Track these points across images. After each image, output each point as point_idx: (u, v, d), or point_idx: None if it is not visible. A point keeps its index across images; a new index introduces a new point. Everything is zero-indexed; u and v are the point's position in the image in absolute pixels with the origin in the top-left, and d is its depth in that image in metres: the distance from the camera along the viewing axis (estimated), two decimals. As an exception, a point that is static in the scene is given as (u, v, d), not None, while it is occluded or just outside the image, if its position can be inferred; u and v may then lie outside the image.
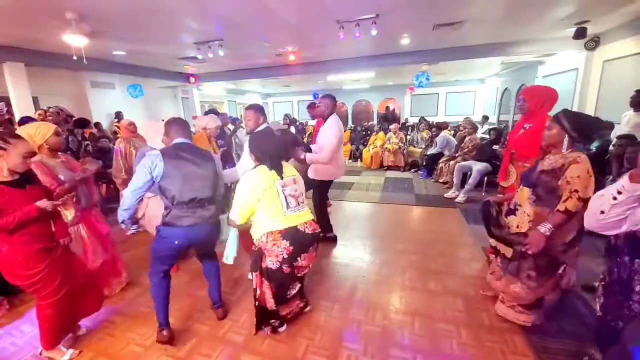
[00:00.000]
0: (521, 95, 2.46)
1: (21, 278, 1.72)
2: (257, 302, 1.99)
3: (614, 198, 1.02)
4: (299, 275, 2.04)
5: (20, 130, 2.12)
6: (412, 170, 7.36)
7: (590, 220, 1.16)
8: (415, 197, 5.26)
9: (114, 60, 6.72)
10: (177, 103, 10.75)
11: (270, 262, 1.88)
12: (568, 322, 2.08)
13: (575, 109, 6.21)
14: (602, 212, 1.07)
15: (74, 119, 4.80)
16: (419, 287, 2.59)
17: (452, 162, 5.81)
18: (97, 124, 6.61)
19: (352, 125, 11.28)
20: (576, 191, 1.62)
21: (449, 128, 7.46)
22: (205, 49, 5.63)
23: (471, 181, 4.95)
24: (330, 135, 2.99)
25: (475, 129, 6.01)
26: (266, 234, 1.86)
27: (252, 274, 2.00)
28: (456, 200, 4.95)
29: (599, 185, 1.58)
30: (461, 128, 6.72)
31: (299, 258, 1.91)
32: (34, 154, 1.74)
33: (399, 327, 2.16)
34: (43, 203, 1.65)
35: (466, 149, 5.59)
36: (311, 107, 5.00)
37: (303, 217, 1.94)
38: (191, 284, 2.77)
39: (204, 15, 4.14)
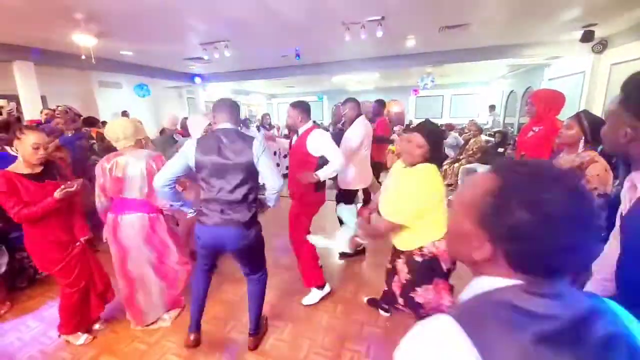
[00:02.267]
0: (530, 99, 2.47)
1: (42, 265, 1.96)
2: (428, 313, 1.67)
3: None
4: None
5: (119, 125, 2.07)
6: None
7: None
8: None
9: (122, 60, 6.79)
10: (183, 103, 10.83)
11: (444, 266, 1.65)
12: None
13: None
14: None
15: (81, 117, 4.85)
16: (422, 289, 2.58)
17: (456, 165, 5.78)
18: (104, 123, 6.67)
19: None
20: (595, 189, 1.65)
21: (454, 130, 7.44)
22: (211, 50, 5.67)
23: (476, 184, 4.91)
24: (354, 136, 2.79)
25: (480, 131, 5.99)
26: (439, 240, 1.61)
27: (422, 287, 1.67)
28: (460, 202, 4.91)
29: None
30: (466, 130, 6.69)
31: None
32: (43, 146, 1.79)
33: (403, 328, 2.14)
34: (58, 193, 1.75)
35: (471, 151, 5.56)
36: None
37: None
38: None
39: (211, 16, 4.17)
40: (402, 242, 1.72)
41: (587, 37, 5.10)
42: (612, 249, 0.98)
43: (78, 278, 1.98)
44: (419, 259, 1.64)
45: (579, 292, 0.53)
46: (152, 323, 2.22)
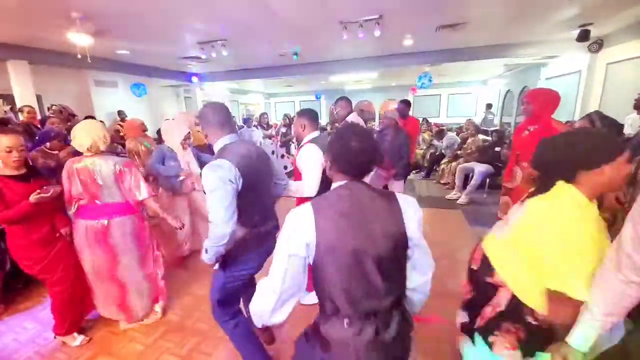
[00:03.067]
0: (525, 99, 2.47)
1: (27, 266, 1.90)
2: None
3: None
4: None
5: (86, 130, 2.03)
6: (414, 171, 7.35)
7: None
8: (417, 199, 5.23)
9: (118, 59, 6.75)
10: (180, 102, 10.79)
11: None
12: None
13: (578, 112, 6.20)
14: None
15: (76, 117, 4.81)
16: (420, 288, 2.58)
17: (454, 164, 5.80)
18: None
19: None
20: None
21: (446, 129, 7.45)
22: (208, 49, 5.64)
23: (473, 182, 4.94)
24: None
25: (478, 131, 6.02)
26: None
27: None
28: (458, 201, 4.94)
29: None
30: (464, 129, 6.71)
31: None
32: (17, 149, 1.75)
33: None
34: (33, 197, 1.73)
35: (469, 150, 5.59)
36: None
37: None
38: (192, 283, 2.77)
39: (208, 15, 4.15)
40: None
41: (583, 36, 5.12)
42: (615, 280, 0.83)
43: (64, 274, 1.95)
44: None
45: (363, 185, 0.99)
46: (145, 317, 2.26)
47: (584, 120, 1.80)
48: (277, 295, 0.93)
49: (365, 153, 0.95)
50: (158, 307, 2.33)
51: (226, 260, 1.51)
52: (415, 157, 7.56)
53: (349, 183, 0.98)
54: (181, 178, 2.80)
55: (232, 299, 1.61)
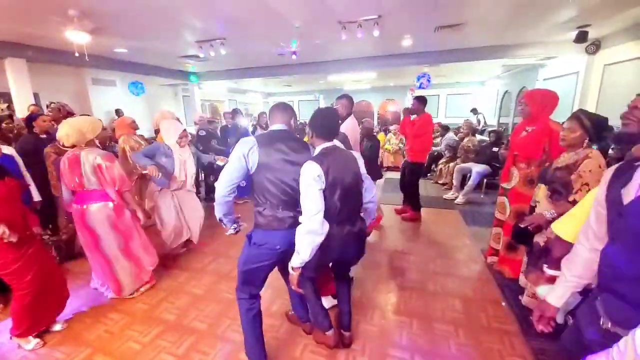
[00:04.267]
0: (523, 99, 2.47)
1: None
2: None
3: None
4: None
5: (72, 126, 2.22)
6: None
7: None
8: (415, 198, 5.26)
9: (116, 58, 6.72)
10: (178, 101, 10.76)
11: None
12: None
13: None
14: None
15: (74, 115, 4.79)
16: (417, 287, 2.59)
17: (451, 164, 5.82)
18: (97, 121, 6.60)
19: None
20: (587, 184, 1.67)
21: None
22: (207, 48, 5.63)
23: (470, 183, 4.96)
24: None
25: (473, 131, 6.06)
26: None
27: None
28: (456, 201, 4.96)
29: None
30: (461, 130, 6.74)
31: None
32: None
33: (398, 327, 2.16)
34: None
35: (466, 148, 5.61)
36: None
37: None
38: (189, 283, 2.77)
39: (207, 13, 4.14)
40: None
41: (581, 37, 5.14)
42: (583, 248, 1.05)
43: (34, 279, 1.92)
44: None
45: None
46: (130, 296, 2.54)
47: (571, 120, 1.82)
48: (320, 212, 1.46)
49: (333, 121, 1.66)
50: (142, 288, 2.62)
51: (253, 233, 1.67)
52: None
53: (328, 145, 1.61)
54: (147, 171, 2.80)
55: (253, 279, 1.70)
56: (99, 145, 2.42)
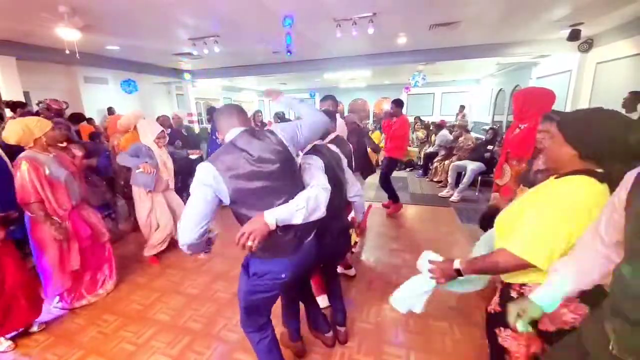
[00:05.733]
0: (514, 97, 2.52)
1: None
2: None
3: None
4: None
5: (19, 122, 2.11)
6: (408, 169, 7.40)
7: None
8: (410, 196, 5.29)
9: (108, 55, 6.61)
10: (172, 99, 10.65)
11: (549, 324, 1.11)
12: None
13: (568, 110, 6.29)
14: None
15: (64, 110, 4.71)
16: (413, 285, 2.60)
17: (447, 162, 5.85)
18: (89, 120, 6.51)
19: (348, 124, 11.28)
20: None
21: (445, 126, 7.55)
22: (200, 45, 5.57)
23: (465, 180, 4.98)
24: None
25: (466, 129, 6.12)
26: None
27: (501, 330, 1.19)
28: (451, 199, 4.98)
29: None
30: (456, 128, 6.79)
31: None
32: None
33: (393, 324, 2.17)
34: None
35: (466, 148, 5.65)
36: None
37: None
38: (183, 282, 2.75)
39: (199, 10, 4.09)
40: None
41: (574, 36, 5.18)
42: (590, 256, 0.91)
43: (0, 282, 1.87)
44: (514, 295, 1.15)
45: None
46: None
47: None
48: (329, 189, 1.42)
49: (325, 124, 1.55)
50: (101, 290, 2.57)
51: (248, 263, 1.42)
52: (408, 154, 7.62)
53: (318, 143, 1.72)
54: (139, 170, 2.77)
55: (259, 310, 1.47)
56: (47, 147, 2.20)
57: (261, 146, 1.27)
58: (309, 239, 1.44)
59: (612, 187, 0.87)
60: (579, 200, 0.96)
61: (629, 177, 0.81)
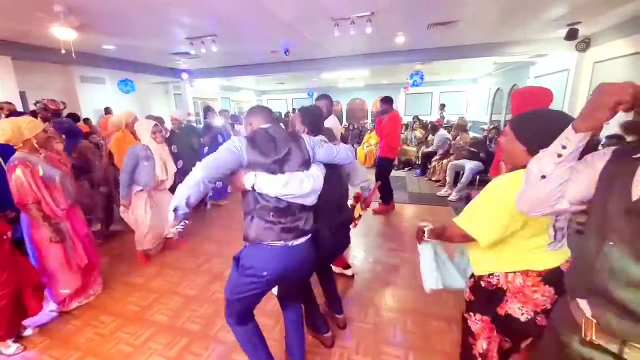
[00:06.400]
0: (511, 97, 2.52)
1: None
2: (472, 353, 1.38)
3: (559, 155, 0.82)
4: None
5: (9, 121, 2.09)
6: (406, 168, 7.40)
7: (528, 194, 0.91)
8: (409, 196, 5.29)
9: (104, 55, 6.57)
10: (169, 99, 10.61)
11: (518, 311, 1.23)
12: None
13: (566, 110, 6.30)
14: (544, 177, 0.85)
15: (61, 110, 4.67)
16: (411, 284, 2.59)
17: (445, 161, 5.85)
18: (86, 120, 6.47)
19: (347, 124, 11.31)
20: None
21: (442, 125, 7.57)
22: (198, 44, 5.55)
23: (464, 179, 4.99)
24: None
25: (463, 129, 6.13)
26: (520, 272, 1.20)
27: (471, 315, 1.37)
28: (449, 198, 4.98)
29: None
30: (453, 128, 6.80)
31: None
32: None
33: (392, 324, 2.17)
34: None
35: (465, 146, 5.66)
36: None
37: (565, 254, 1.25)
38: (181, 283, 2.74)
39: (197, 9, 4.07)
40: (475, 263, 1.35)
41: (572, 35, 5.19)
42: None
43: (8, 280, 1.87)
44: (483, 284, 1.29)
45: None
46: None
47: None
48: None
49: (321, 118, 1.87)
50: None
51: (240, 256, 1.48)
52: (402, 153, 7.57)
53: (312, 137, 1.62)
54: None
55: (241, 309, 1.52)
56: (38, 148, 2.16)
57: (286, 139, 1.45)
58: (302, 239, 1.47)
59: None
60: (518, 189, 0.99)
61: (606, 151, 0.84)
